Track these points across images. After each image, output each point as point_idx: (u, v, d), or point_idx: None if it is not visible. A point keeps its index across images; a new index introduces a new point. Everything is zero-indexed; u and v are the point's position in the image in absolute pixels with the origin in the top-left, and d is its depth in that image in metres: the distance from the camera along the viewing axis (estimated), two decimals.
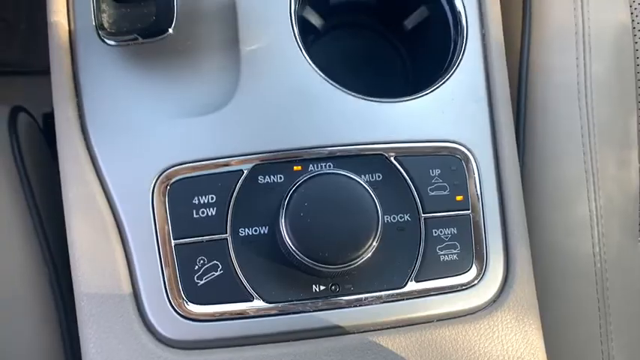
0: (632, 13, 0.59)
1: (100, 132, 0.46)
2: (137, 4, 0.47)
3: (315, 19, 0.56)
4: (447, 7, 0.52)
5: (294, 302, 0.45)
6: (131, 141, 0.46)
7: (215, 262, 0.45)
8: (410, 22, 0.57)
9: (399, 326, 0.46)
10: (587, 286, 0.57)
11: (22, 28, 1.09)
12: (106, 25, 0.47)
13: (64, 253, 0.56)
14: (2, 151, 0.56)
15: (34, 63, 1.09)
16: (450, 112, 0.49)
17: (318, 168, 0.46)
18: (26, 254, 0.55)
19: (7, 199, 0.55)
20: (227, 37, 0.48)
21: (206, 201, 0.45)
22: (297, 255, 0.42)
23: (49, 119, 0.68)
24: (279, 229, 0.42)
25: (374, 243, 0.42)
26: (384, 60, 0.61)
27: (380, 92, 0.50)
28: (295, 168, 0.46)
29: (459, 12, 0.51)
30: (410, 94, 0.49)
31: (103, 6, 0.47)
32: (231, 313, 0.44)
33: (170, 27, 0.47)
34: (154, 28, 0.47)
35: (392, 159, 0.47)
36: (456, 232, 0.47)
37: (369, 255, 0.42)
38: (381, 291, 0.46)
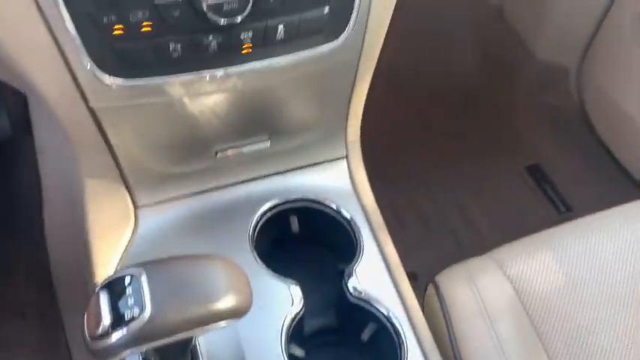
0: (512, 286, 0.85)
1: None
2: None
3: (298, 351, 0.77)
4: (386, 323, 0.75)
5: None
6: None
7: None
8: (365, 335, 0.79)
9: None
10: None
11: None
12: None
13: None
14: None
15: None
16: None
17: None
18: None
19: None
20: None
21: None
22: None
23: None
24: None
25: None
26: None
27: None
28: None
29: (395, 324, 0.75)
30: None
31: None
32: None
33: None
34: None
35: None
36: None
37: None
38: None
